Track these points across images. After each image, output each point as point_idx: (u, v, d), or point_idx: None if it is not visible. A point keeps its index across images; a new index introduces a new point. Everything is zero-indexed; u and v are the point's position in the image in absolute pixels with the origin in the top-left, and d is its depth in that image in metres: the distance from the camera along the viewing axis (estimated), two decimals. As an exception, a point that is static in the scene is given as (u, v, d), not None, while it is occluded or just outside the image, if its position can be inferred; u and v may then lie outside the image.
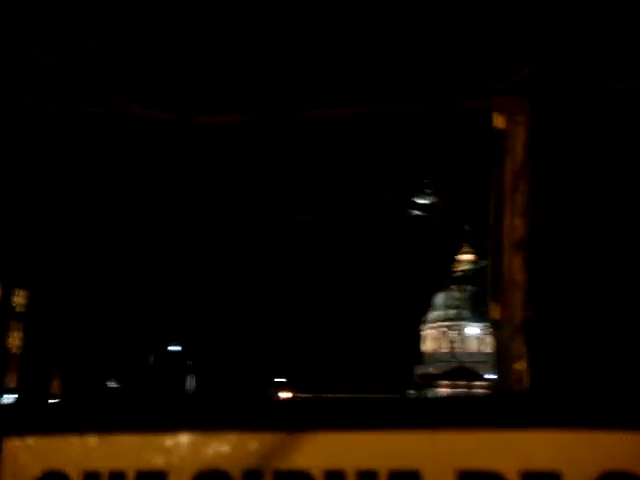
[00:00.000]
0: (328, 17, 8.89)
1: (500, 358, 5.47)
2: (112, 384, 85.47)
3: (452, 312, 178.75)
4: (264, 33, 8.89)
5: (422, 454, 2.16)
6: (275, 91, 9.57)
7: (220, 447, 2.34)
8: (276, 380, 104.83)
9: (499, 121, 5.84)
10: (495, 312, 5.56)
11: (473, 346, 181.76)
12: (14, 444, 2.51)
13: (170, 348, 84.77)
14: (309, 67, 9.62)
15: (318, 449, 2.24)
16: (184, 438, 2.40)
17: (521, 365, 5.34)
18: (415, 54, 8.71)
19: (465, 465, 2.13)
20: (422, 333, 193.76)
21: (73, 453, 2.46)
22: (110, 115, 6.55)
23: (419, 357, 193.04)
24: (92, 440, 2.48)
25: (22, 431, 2.53)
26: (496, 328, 5.52)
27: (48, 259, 78.23)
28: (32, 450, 2.50)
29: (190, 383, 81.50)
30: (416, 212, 16.68)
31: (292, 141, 11.71)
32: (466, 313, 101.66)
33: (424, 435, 2.18)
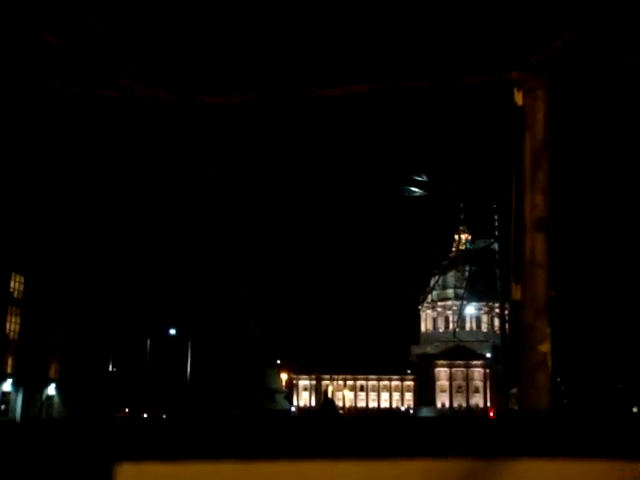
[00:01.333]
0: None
1: (523, 340, 5.34)
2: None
3: (450, 292, 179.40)
4: (269, 13, 8.70)
5: None
6: (280, 70, 9.38)
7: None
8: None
9: (518, 97, 5.70)
10: (517, 293, 5.44)
11: (471, 325, 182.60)
12: (129, 470, 2.22)
13: (169, 332, 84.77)
14: (314, 45, 9.44)
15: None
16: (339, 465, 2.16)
17: (545, 347, 5.22)
18: (422, 30, 8.53)
19: None
20: (420, 313, 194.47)
21: None
22: (119, 97, 6.39)
23: (417, 337, 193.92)
24: (227, 467, 2.16)
25: (139, 456, 2.23)
26: (518, 309, 5.40)
27: (44, 244, 78.08)
28: (150, 478, 2.21)
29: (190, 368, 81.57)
30: (414, 190, 16.47)
31: (291, 122, 11.51)
32: (464, 293, 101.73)
33: None
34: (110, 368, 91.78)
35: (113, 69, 6.59)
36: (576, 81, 6.51)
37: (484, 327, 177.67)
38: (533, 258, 5.39)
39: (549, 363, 5.25)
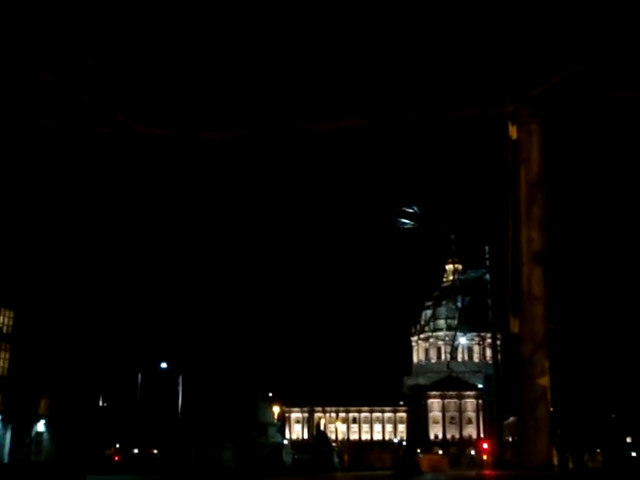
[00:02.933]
0: (325, 30, 8.79)
1: (522, 374, 5.33)
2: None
3: (442, 323, 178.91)
4: (259, 49, 8.79)
5: None
6: (270, 106, 9.45)
7: None
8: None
9: (513, 131, 5.75)
10: (515, 326, 5.44)
11: (463, 356, 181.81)
12: None
13: (161, 366, 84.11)
14: (306, 81, 9.51)
15: None
16: None
17: (544, 381, 5.20)
18: (414, 65, 8.61)
19: None
20: (412, 344, 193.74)
21: None
22: (114, 133, 6.42)
23: (409, 369, 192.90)
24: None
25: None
26: (517, 343, 5.40)
27: (33, 278, 77.63)
28: None
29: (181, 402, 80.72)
30: (406, 222, 16.50)
31: (282, 155, 11.55)
32: (456, 323, 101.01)
33: None
34: (100, 403, 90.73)
35: (110, 106, 6.62)
36: (569, 115, 6.59)
37: (476, 357, 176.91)
38: (530, 291, 5.39)
39: (548, 397, 5.23)
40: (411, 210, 16.24)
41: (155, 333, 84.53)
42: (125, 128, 6.62)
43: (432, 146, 11.72)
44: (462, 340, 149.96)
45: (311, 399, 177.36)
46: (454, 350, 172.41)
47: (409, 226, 16.72)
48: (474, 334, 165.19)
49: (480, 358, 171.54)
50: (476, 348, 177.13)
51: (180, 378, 79.61)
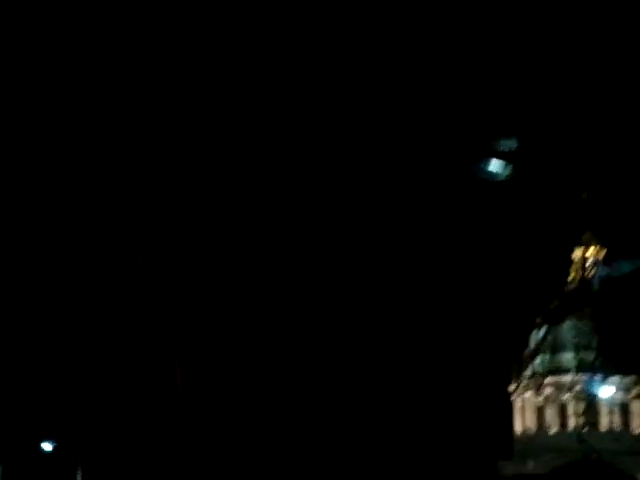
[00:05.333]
0: None
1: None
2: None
3: (568, 358, 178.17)
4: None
5: None
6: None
7: None
8: None
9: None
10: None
11: (611, 419, 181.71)
12: None
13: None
14: None
15: None
16: None
17: None
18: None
19: None
20: (513, 400, 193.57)
21: None
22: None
23: (509, 445, 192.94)
24: None
25: None
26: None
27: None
28: None
29: None
30: (495, 170, 16.93)
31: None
32: (595, 359, 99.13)
33: None
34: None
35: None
36: None
37: (636, 422, 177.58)
38: None
39: None
40: (506, 147, 16.50)
41: (32, 391, 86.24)
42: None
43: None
44: (609, 390, 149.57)
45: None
46: (591, 409, 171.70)
47: (502, 177, 17.04)
48: (631, 378, 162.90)
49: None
50: (636, 405, 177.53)
51: (78, 466, 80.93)
